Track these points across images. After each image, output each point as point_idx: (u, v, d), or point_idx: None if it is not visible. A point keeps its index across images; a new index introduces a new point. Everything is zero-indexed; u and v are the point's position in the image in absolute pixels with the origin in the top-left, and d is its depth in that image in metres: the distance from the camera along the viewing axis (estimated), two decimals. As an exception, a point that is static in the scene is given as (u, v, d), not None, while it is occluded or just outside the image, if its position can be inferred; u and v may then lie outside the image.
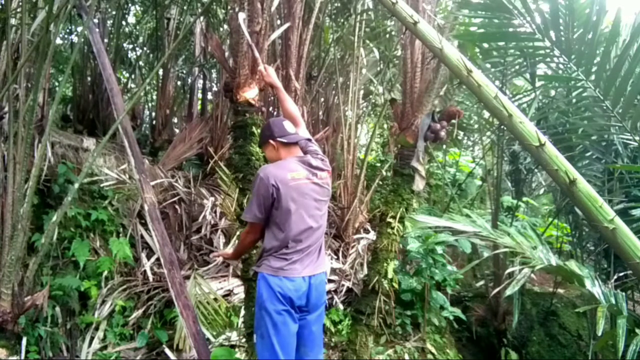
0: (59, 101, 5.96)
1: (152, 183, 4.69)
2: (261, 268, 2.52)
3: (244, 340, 4.17)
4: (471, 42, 4.07)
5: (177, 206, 5.76)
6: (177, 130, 8.10)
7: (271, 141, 2.62)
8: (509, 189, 6.97)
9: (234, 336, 4.38)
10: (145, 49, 8.40)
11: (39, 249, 3.74)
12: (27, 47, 3.84)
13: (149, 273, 4.82)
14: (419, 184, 4.49)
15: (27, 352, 3.67)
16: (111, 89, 4.35)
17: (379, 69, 7.27)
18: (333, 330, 4.71)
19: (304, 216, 2.50)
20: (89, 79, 7.05)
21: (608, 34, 3.05)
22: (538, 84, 4.38)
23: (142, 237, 5.16)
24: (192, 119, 7.56)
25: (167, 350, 4.22)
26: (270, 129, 2.66)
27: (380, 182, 6.77)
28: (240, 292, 4.80)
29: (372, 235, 5.80)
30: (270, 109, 5.42)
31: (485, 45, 4.27)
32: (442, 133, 4.32)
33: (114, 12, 7.42)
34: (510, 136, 4.99)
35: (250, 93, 3.70)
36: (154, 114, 7.78)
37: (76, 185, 3.66)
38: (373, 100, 7.93)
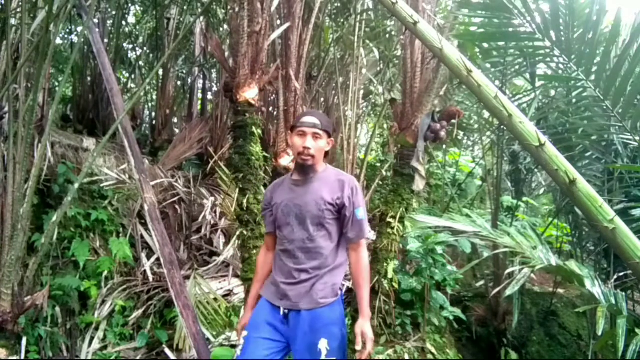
0: (59, 101, 5.95)
1: (152, 183, 4.69)
2: (339, 290, 2.34)
3: (244, 340, 4.17)
4: (471, 42, 4.06)
5: (177, 206, 5.77)
6: (177, 130, 8.12)
7: (331, 139, 2.36)
8: (509, 189, 6.95)
9: (234, 336, 4.37)
10: (145, 49, 8.41)
11: (39, 249, 3.73)
12: (27, 47, 3.84)
13: (149, 273, 4.82)
14: (419, 184, 4.48)
15: (27, 352, 3.67)
16: (111, 89, 4.35)
17: (379, 69, 7.26)
18: (333, 330, 4.69)
19: None
20: (89, 79, 7.05)
21: (608, 34, 3.04)
22: (538, 84, 4.37)
23: (142, 237, 5.16)
24: (192, 119, 7.57)
25: (167, 350, 4.21)
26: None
27: (380, 182, 6.76)
28: (240, 292, 4.80)
29: (372, 235, 5.79)
30: (270, 108, 5.41)
31: (485, 45, 4.26)
32: (442, 133, 4.31)
33: (114, 12, 7.43)
34: (510, 136, 4.99)
35: (250, 93, 3.70)
36: (154, 114, 7.79)
37: (76, 185, 3.66)
38: (373, 100, 7.93)
